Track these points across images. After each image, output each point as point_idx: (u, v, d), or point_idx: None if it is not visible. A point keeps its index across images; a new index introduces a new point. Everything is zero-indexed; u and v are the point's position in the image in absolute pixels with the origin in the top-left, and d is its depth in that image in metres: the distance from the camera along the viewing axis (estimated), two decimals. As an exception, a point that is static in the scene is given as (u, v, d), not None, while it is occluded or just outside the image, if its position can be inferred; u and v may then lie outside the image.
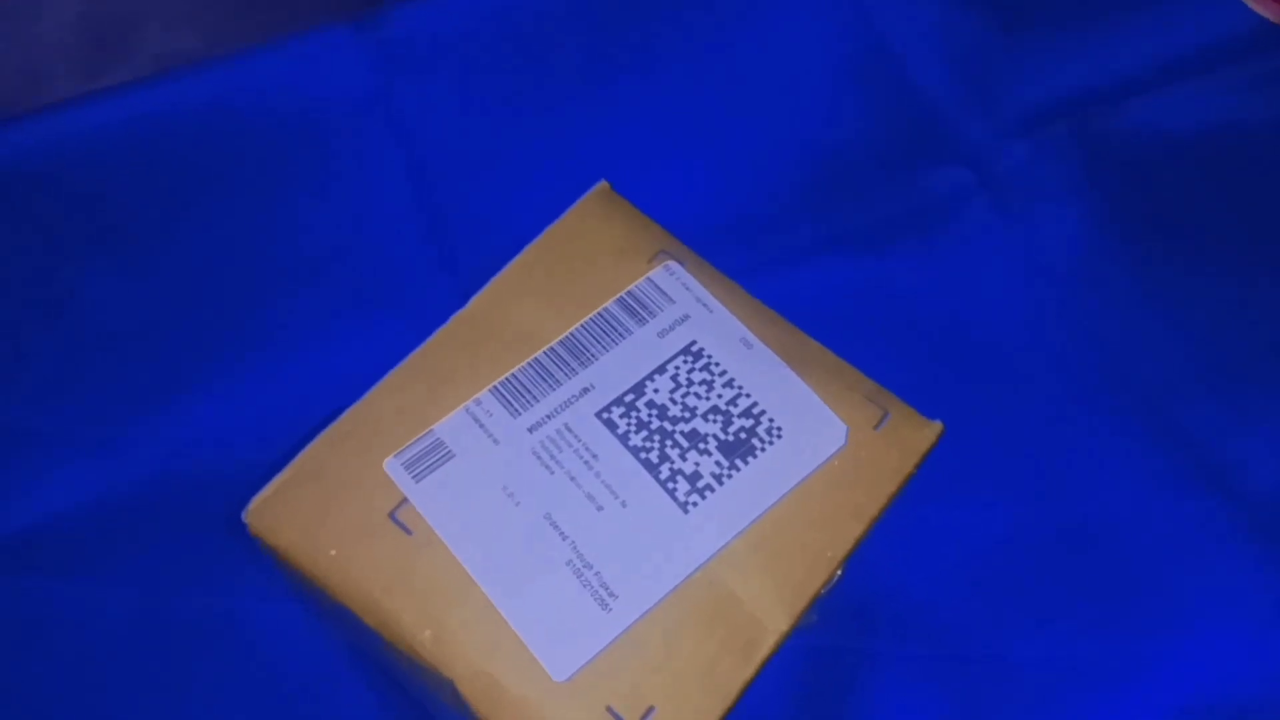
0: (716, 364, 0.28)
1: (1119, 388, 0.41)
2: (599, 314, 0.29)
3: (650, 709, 0.24)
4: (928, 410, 0.29)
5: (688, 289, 0.29)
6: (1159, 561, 0.38)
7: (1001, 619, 0.37)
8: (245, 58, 0.45)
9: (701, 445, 0.27)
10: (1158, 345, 0.42)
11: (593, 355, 0.28)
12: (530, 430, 0.27)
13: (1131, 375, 0.41)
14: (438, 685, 0.25)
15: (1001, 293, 0.43)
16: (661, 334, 0.28)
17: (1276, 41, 0.48)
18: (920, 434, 0.28)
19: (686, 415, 0.27)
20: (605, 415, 0.27)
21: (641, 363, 0.28)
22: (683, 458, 0.27)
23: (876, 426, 0.28)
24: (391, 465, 0.26)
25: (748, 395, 0.28)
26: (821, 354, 0.29)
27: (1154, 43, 0.47)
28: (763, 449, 0.27)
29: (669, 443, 0.27)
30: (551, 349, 0.28)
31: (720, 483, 0.26)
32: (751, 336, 0.29)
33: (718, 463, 0.27)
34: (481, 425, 0.27)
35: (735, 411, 0.27)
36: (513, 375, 0.28)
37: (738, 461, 0.27)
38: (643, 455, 0.27)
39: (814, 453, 0.27)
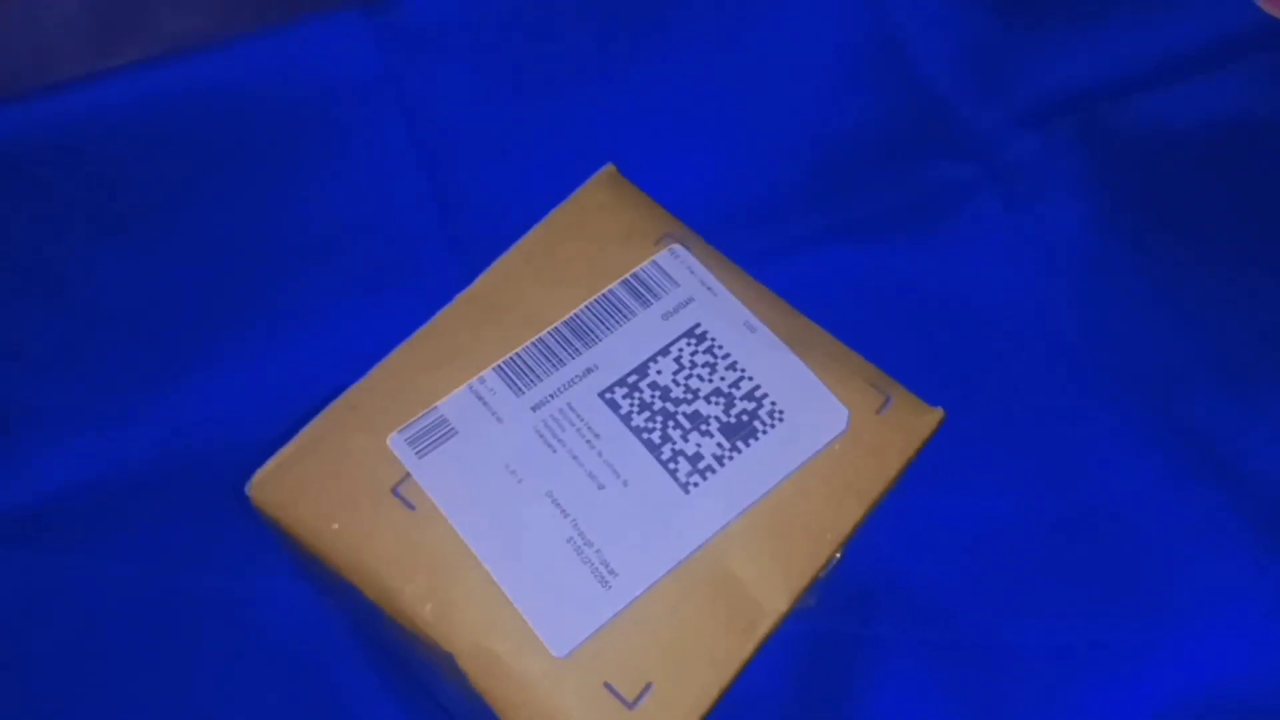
0: (720, 347, 0.28)
1: (1123, 379, 0.41)
2: (603, 295, 0.29)
3: (648, 685, 0.24)
4: (930, 398, 0.29)
5: (692, 272, 0.29)
6: (1160, 551, 0.38)
7: (1001, 606, 0.37)
8: (255, 39, 0.45)
9: (703, 427, 0.27)
10: (1163, 338, 0.42)
11: (596, 336, 0.28)
12: (533, 409, 0.27)
13: (1136, 367, 0.41)
14: (438, 659, 0.25)
15: (1007, 284, 0.43)
16: (665, 316, 0.29)
17: (1284, 37, 0.48)
18: (922, 420, 0.28)
19: (689, 397, 0.27)
20: (608, 395, 0.27)
21: (645, 344, 0.28)
22: (684, 439, 0.27)
23: (878, 411, 0.28)
24: (395, 441, 0.26)
25: (750, 378, 0.28)
26: (824, 339, 0.29)
27: (1161, 38, 0.47)
28: (764, 431, 0.27)
29: (671, 424, 0.27)
30: (556, 329, 0.28)
31: (721, 464, 0.27)
32: (755, 320, 0.29)
33: (719, 444, 0.27)
34: (485, 403, 0.27)
35: (738, 394, 0.28)
36: (517, 354, 0.28)
37: (739, 443, 0.27)
38: (645, 436, 0.27)
39: (815, 436, 0.27)
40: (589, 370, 0.28)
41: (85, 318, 0.41)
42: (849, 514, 0.27)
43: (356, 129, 0.44)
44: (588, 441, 0.27)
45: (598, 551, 0.25)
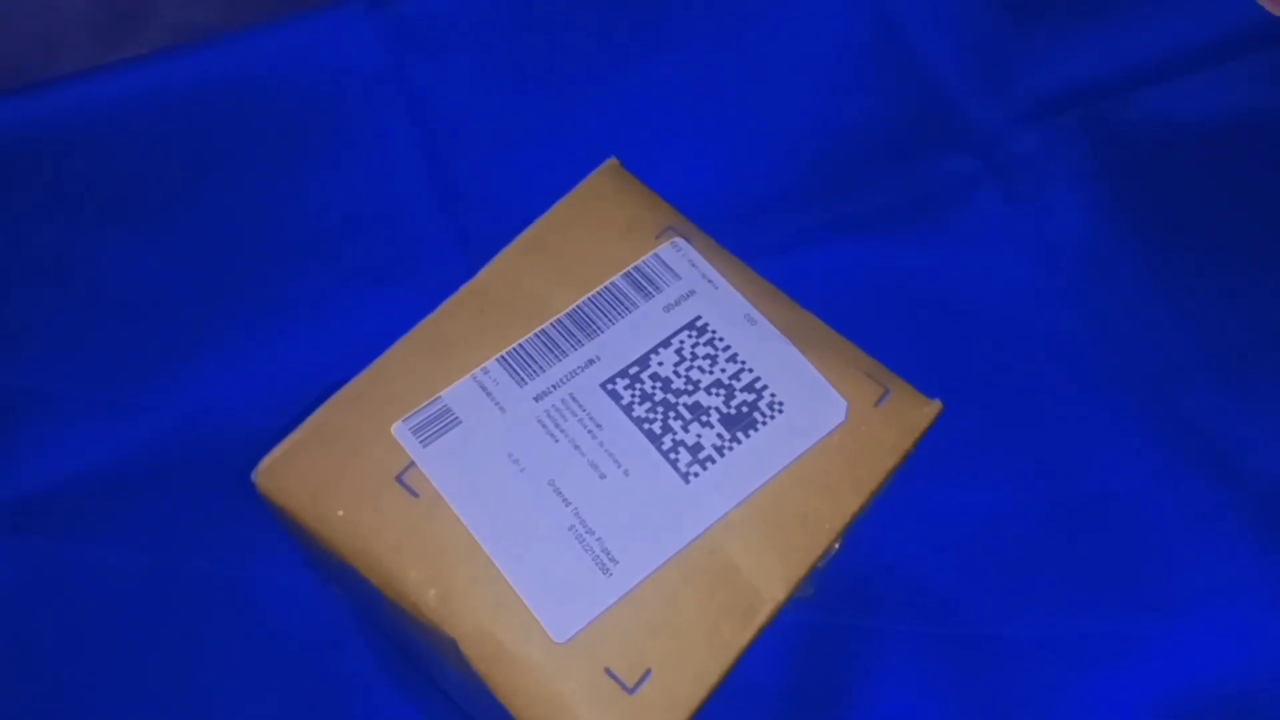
0: (720, 339, 0.29)
1: (1122, 373, 0.41)
2: (606, 287, 0.29)
3: (648, 672, 0.25)
4: (930, 391, 0.30)
5: (694, 265, 0.30)
6: (1157, 544, 0.38)
7: (999, 598, 0.38)
8: (260, 32, 0.45)
9: (704, 418, 0.27)
10: (1162, 333, 0.42)
11: (599, 328, 0.28)
12: (536, 399, 0.27)
13: (1135, 361, 0.41)
14: (440, 645, 0.26)
15: (1007, 278, 0.43)
16: (667, 308, 0.29)
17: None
18: (920, 412, 0.29)
19: (690, 388, 0.28)
20: (610, 386, 0.28)
21: (647, 336, 0.28)
22: (685, 429, 0.27)
23: (877, 404, 0.28)
24: (400, 430, 0.27)
25: (750, 370, 0.28)
26: (824, 332, 0.30)
27: (1164, 35, 0.47)
28: (764, 423, 0.27)
29: (672, 414, 0.27)
30: (558, 321, 0.28)
31: (721, 454, 0.27)
32: (756, 313, 0.29)
33: (719, 435, 0.27)
34: (488, 393, 0.27)
35: (738, 386, 0.28)
36: (520, 345, 0.28)
37: (739, 434, 0.27)
38: (646, 426, 0.27)
39: (814, 427, 0.28)
40: (591, 361, 0.28)
41: (90, 306, 0.41)
42: (847, 505, 0.27)
43: (361, 122, 0.45)
44: (589, 431, 0.27)
45: (599, 539, 0.26)
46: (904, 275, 0.43)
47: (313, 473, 0.26)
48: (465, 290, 0.29)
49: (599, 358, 0.28)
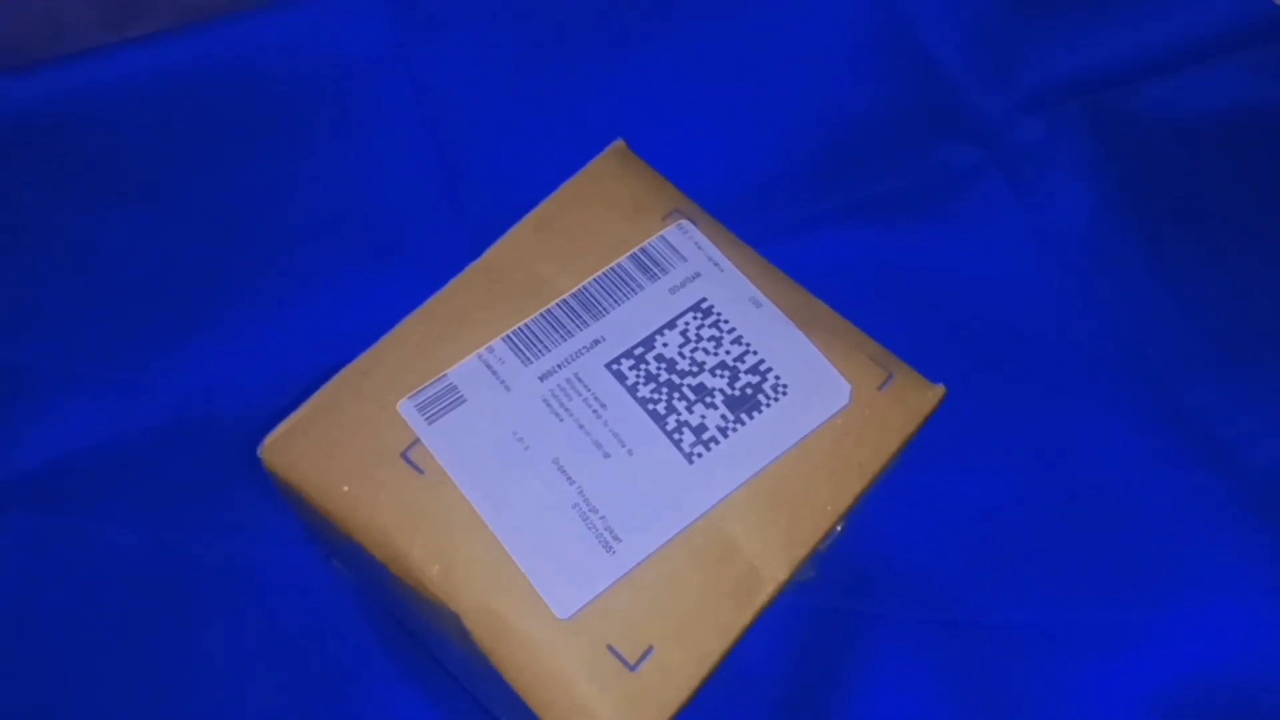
0: (725, 321, 0.29)
1: (1124, 363, 0.41)
2: (612, 269, 0.29)
3: (649, 649, 0.25)
4: (933, 377, 0.30)
5: (699, 248, 0.30)
6: (1157, 534, 0.39)
7: (997, 585, 0.38)
8: (267, 13, 0.45)
9: (708, 399, 0.27)
10: (1164, 323, 0.42)
11: (604, 308, 0.28)
12: (541, 378, 0.27)
13: (1137, 351, 0.42)
14: (444, 620, 0.26)
15: (1010, 267, 0.43)
16: (673, 290, 0.29)
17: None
18: (923, 396, 0.29)
19: (694, 369, 0.28)
20: (615, 367, 0.28)
21: (652, 317, 0.28)
22: (689, 410, 0.27)
23: (880, 387, 0.29)
24: (405, 407, 0.27)
25: (755, 353, 0.28)
26: (829, 316, 0.30)
27: (1170, 26, 0.47)
28: (768, 405, 0.28)
29: (676, 395, 0.27)
30: (564, 301, 0.29)
31: (725, 435, 0.27)
32: (761, 296, 0.29)
33: (723, 416, 0.27)
34: (494, 372, 0.27)
35: (742, 368, 0.28)
36: (525, 325, 0.28)
37: (743, 416, 0.27)
38: (650, 406, 0.27)
39: (818, 410, 0.28)
40: (596, 342, 0.28)
41: (95, 284, 0.41)
42: (850, 487, 0.27)
43: (367, 103, 0.45)
44: (594, 411, 0.27)
45: (602, 518, 0.26)
46: (908, 262, 0.43)
47: (318, 448, 0.26)
48: (471, 270, 0.29)
49: (604, 338, 0.28)
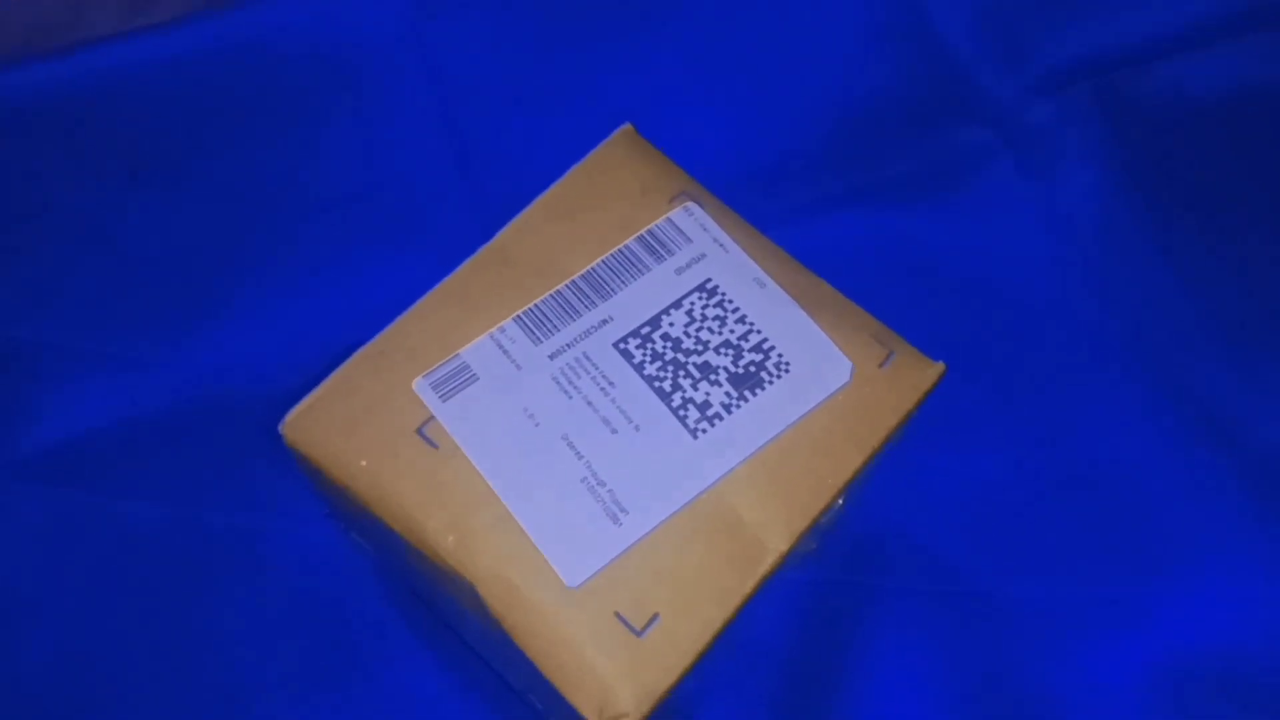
0: (730, 301, 0.29)
1: (1129, 343, 0.42)
2: (619, 250, 0.30)
3: (655, 616, 0.26)
4: (936, 356, 0.31)
5: (705, 229, 0.30)
6: (1157, 512, 0.39)
7: (1000, 560, 0.39)
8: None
9: (712, 376, 0.28)
10: (1169, 304, 0.43)
11: (612, 289, 0.29)
12: (551, 357, 0.28)
13: (1142, 331, 0.42)
14: (459, 589, 0.27)
15: (1018, 248, 0.44)
16: (679, 271, 0.30)
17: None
18: (923, 373, 0.30)
19: (699, 348, 0.29)
20: (622, 346, 0.29)
21: (658, 297, 0.29)
22: (694, 387, 0.28)
23: (881, 365, 0.29)
24: (420, 385, 0.28)
25: (758, 331, 0.29)
26: (832, 295, 0.31)
27: (1179, 7, 0.48)
28: (771, 382, 0.28)
29: (682, 373, 0.28)
30: (573, 282, 0.29)
31: (729, 412, 0.28)
32: (765, 276, 0.30)
33: (727, 393, 0.28)
34: (505, 351, 0.28)
35: (746, 346, 0.29)
36: (536, 305, 0.29)
37: (746, 393, 0.28)
38: (656, 384, 0.28)
39: (820, 387, 0.29)
40: (604, 321, 0.29)
41: (115, 264, 0.42)
42: (850, 462, 0.28)
43: (381, 86, 0.45)
44: (602, 389, 0.28)
45: (610, 491, 0.27)
46: (916, 243, 0.44)
47: (337, 425, 0.27)
48: (483, 252, 0.30)
49: (612, 318, 0.29)
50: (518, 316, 0.29)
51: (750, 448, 0.28)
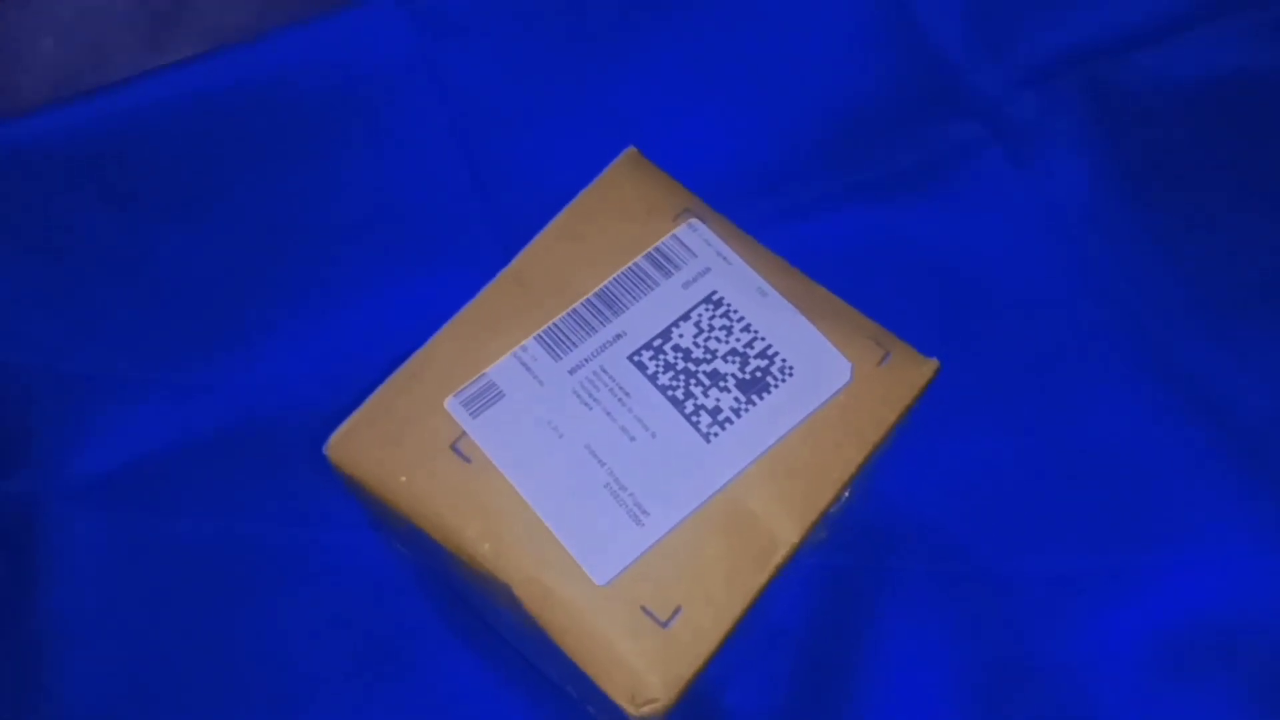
0: (735, 311, 0.31)
1: (1120, 326, 0.43)
2: (630, 268, 0.32)
3: (678, 608, 0.28)
4: (935, 348, 0.32)
5: (709, 244, 0.32)
6: (1153, 486, 0.41)
7: (1005, 539, 0.40)
8: (295, 30, 0.48)
9: (721, 383, 0.30)
10: (1157, 288, 0.44)
11: (624, 305, 0.31)
12: (570, 372, 0.30)
13: (1132, 314, 0.43)
14: (496, 591, 0.29)
15: (1010, 238, 0.45)
16: (686, 285, 0.32)
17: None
18: (919, 370, 0.32)
19: (708, 357, 0.31)
20: (636, 358, 0.31)
21: (668, 311, 0.31)
22: (705, 394, 0.30)
23: (879, 364, 0.31)
24: (451, 404, 0.30)
25: (763, 339, 0.31)
26: (830, 300, 0.33)
27: None
28: (776, 386, 0.30)
29: (693, 381, 0.30)
30: (588, 300, 0.31)
31: (738, 415, 0.30)
32: (767, 286, 0.32)
33: (736, 398, 0.30)
34: (528, 368, 0.30)
35: (752, 353, 0.31)
36: (554, 324, 0.31)
37: (754, 397, 0.30)
38: (669, 393, 0.30)
39: (822, 388, 0.31)
40: (618, 336, 0.31)
41: (153, 296, 0.44)
42: (853, 457, 0.30)
43: (395, 112, 0.47)
44: (619, 399, 0.30)
45: (631, 495, 0.29)
46: (910, 238, 0.45)
47: (377, 444, 0.30)
48: (502, 276, 0.32)
49: (625, 332, 0.31)
50: (538, 335, 0.31)
51: (759, 448, 0.30)
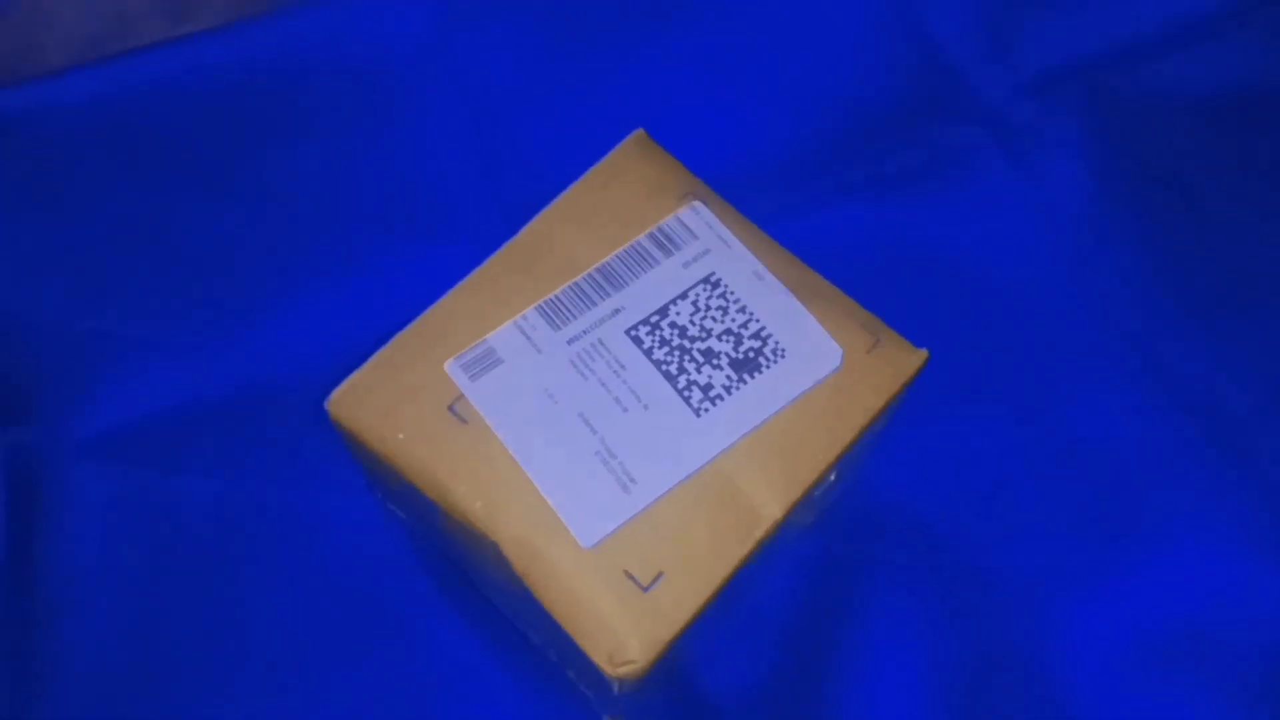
0: (731, 292, 0.32)
1: (1108, 326, 0.44)
2: (632, 246, 0.33)
3: (660, 574, 0.29)
4: (930, 342, 0.33)
5: (710, 227, 0.33)
6: (1136, 481, 0.42)
7: (990, 531, 0.41)
8: (315, 7, 0.48)
9: (715, 361, 0.31)
10: (1147, 290, 0.45)
11: (624, 281, 0.32)
12: (569, 343, 0.31)
13: (1120, 315, 0.44)
14: (485, 550, 0.30)
15: (1006, 239, 0.46)
16: (685, 265, 0.33)
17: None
18: (907, 359, 0.32)
19: (703, 335, 0.32)
20: (633, 333, 0.31)
21: (667, 289, 0.32)
22: (698, 371, 0.31)
23: (869, 351, 0.32)
24: (451, 367, 0.31)
25: (757, 320, 0.32)
26: (825, 287, 0.33)
27: (1166, 6, 0.49)
28: (768, 366, 0.31)
29: (687, 358, 0.31)
30: (589, 274, 0.32)
31: (729, 393, 0.31)
32: (764, 269, 0.33)
33: (728, 376, 0.31)
34: (527, 337, 0.31)
35: (746, 334, 0.32)
36: (555, 296, 0.32)
37: (745, 376, 0.31)
38: (664, 367, 0.31)
39: (812, 371, 0.31)
40: (617, 311, 0.32)
41: (169, 261, 0.45)
42: (839, 439, 0.31)
43: (409, 92, 0.48)
44: (614, 371, 0.31)
45: (620, 463, 0.30)
46: (908, 235, 0.46)
47: (377, 402, 0.30)
48: (508, 247, 0.33)
49: (624, 307, 0.32)
50: (539, 305, 0.32)
51: (748, 425, 0.30)
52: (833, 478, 0.32)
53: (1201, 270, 0.45)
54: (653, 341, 0.31)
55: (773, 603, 0.40)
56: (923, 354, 0.33)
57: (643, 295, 0.32)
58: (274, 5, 0.49)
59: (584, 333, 0.31)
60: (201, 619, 0.39)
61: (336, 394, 0.31)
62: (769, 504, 0.30)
